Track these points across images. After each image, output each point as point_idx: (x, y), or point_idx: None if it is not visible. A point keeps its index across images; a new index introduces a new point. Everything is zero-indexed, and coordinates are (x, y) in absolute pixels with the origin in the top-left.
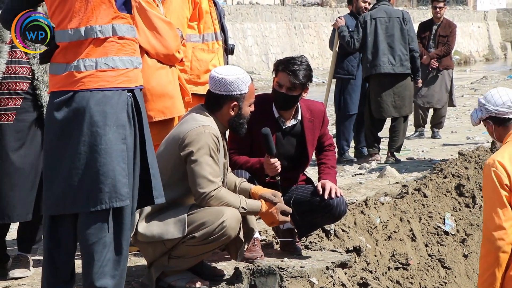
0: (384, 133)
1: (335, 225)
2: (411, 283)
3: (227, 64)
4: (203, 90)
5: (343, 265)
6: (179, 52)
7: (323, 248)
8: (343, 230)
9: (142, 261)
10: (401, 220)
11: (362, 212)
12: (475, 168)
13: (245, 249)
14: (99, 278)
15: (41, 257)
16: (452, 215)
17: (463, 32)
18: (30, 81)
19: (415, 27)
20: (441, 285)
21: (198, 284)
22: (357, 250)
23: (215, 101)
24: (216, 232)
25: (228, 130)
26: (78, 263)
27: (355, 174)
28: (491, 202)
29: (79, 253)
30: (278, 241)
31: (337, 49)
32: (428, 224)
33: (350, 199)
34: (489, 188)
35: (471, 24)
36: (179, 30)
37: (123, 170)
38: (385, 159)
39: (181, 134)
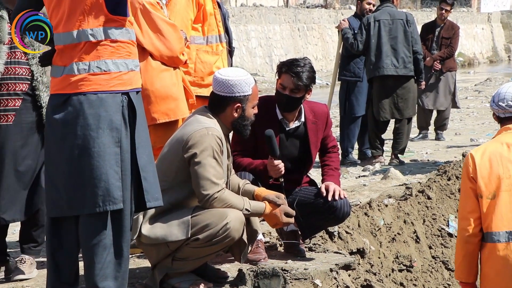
0: (388, 135)
1: (339, 227)
2: (415, 285)
3: (231, 66)
4: (207, 92)
5: (347, 267)
6: (183, 54)
7: (327, 250)
8: (347, 232)
9: (146, 263)
10: (405, 222)
11: (366, 214)
12: None
13: (248, 251)
14: (101, 280)
15: (45, 259)
16: (456, 217)
17: (467, 34)
18: (29, 82)
19: (419, 29)
20: (445, 287)
21: (201, 286)
22: (361, 252)
23: (218, 103)
24: (219, 234)
25: (232, 132)
26: (81, 265)
27: (359, 176)
28: (461, 193)
29: (81, 255)
30: (282, 243)
31: (340, 51)
32: (432, 226)
33: (354, 201)
34: (461, 179)
35: (475, 26)
36: (183, 32)
37: (116, 173)
38: (389, 161)
39: (185, 136)
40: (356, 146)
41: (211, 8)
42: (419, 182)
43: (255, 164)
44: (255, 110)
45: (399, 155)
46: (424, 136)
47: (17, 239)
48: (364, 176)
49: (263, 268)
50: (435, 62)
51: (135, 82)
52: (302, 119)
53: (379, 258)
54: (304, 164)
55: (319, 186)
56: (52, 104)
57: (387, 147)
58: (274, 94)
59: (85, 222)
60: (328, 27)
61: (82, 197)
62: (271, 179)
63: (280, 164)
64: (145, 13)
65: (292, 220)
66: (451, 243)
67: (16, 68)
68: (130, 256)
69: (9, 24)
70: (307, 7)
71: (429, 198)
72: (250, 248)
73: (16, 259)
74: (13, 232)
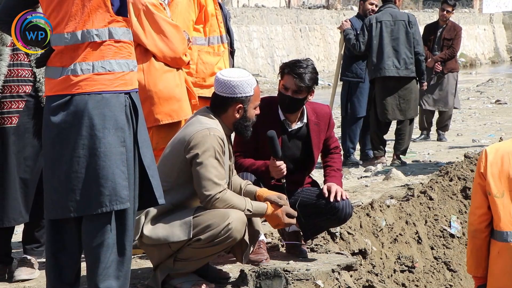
0: (390, 135)
1: (341, 228)
2: (417, 285)
3: (233, 66)
4: (208, 92)
5: (348, 267)
6: (186, 55)
7: (329, 251)
8: (348, 233)
9: (148, 264)
10: (406, 222)
11: (367, 214)
12: None
13: (250, 252)
14: (104, 280)
15: None
16: (458, 217)
17: (468, 35)
18: (32, 84)
19: (421, 29)
20: (447, 287)
21: (203, 287)
22: (363, 253)
23: (220, 104)
24: (221, 234)
25: (234, 132)
26: (82, 266)
27: (361, 177)
28: (472, 187)
29: (83, 255)
30: (284, 243)
31: (342, 52)
32: (434, 226)
33: (356, 202)
34: (474, 174)
35: (476, 27)
36: (186, 33)
37: (123, 173)
38: (391, 161)
39: (187, 137)
40: (358, 147)
41: (212, 9)
42: (421, 183)
43: (257, 165)
44: (257, 111)
45: (401, 156)
46: (426, 137)
47: (19, 239)
48: (366, 177)
49: (265, 268)
50: (436, 64)
51: (134, 82)
52: (305, 120)
53: (381, 258)
54: (306, 165)
55: (321, 187)
56: (50, 106)
57: (389, 147)
58: (276, 95)
59: (89, 222)
60: (330, 28)
61: (88, 198)
62: (273, 180)
63: (282, 165)
64: (148, 14)
65: (294, 221)
66: (453, 244)
67: (19, 70)
68: (132, 256)
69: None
70: (309, 8)
71: (431, 199)
72: (252, 249)
73: (18, 260)
74: (15, 232)
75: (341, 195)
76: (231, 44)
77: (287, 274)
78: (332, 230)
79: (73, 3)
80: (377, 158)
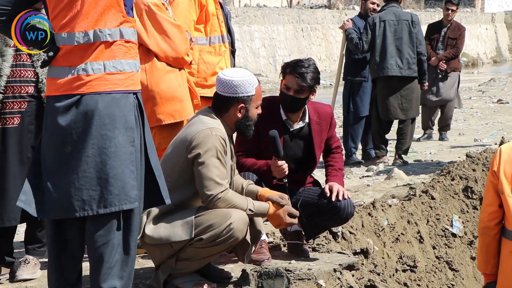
0: (392, 135)
1: (343, 227)
2: (419, 285)
3: (234, 66)
4: (210, 92)
5: (350, 267)
6: (188, 55)
7: (331, 250)
8: (350, 232)
9: (150, 264)
10: (408, 222)
11: (369, 214)
12: (483, 170)
13: (252, 251)
14: (107, 279)
15: None
16: (459, 217)
17: (470, 34)
18: (34, 84)
19: (423, 29)
20: (449, 287)
21: (205, 286)
22: (365, 252)
23: (222, 103)
24: (223, 234)
25: (236, 132)
26: (85, 265)
27: (363, 176)
28: (485, 184)
29: (85, 255)
30: (286, 243)
31: (344, 51)
32: (436, 226)
33: (358, 201)
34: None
35: (478, 26)
36: (188, 33)
37: (132, 172)
38: (393, 161)
39: (188, 136)
40: (359, 146)
41: (213, 9)
42: (422, 182)
43: (258, 165)
44: (259, 111)
45: (402, 156)
46: (429, 136)
47: (21, 239)
48: (367, 176)
49: (266, 268)
50: (441, 62)
51: (139, 82)
52: (306, 119)
53: (382, 258)
54: (308, 165)
55: (323, 187)
56: (56, 106)
57: (391, 147)
58: (278, 95)
59: (95, 221)
60: (332, 28)
61: (97, 197)
62: (275, 179)
63: (284, 164)
64: (150, 14)
65: (295, 220)
66: (455, 243)
67: (22, 71)
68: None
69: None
70: (311, 8)
71: (432, 198)
72: (253, 249)
73: (20, 260)
74: (17, 232)
75: (343, 195)
76: (232, 44)
77: (289, 273)
78: (334, 229)
79: (86, 2)
80: (379, 157)
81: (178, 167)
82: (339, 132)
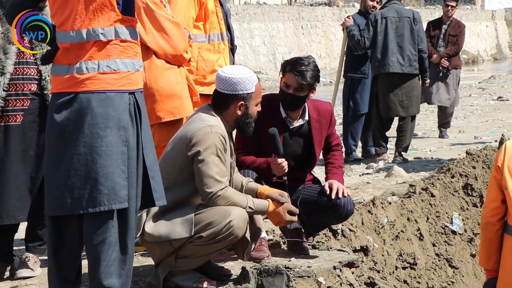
0: (392, 132)
1: (342, 225)
2: (419, 282)
3: (233, 64)
4: (209, 90)
5: (350, 264)
6: (187, 52)
7: (330, 248)
8: (350, 230)
9: (149, 261)
10: (408, 219)
11: (369, 211)
12: (483, 167)
13: (252, 249)
14: (106, 278)
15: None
16: (459, 214)
17: (471, 32)
18: (37, 82)
19: (424, 26)
20: (449, 284)
21: (205, 284)
22: (365, 250)
23: (222, 101)
24: (223, 231)
25: (235, 129)
26: (84, 263)
27: (363, 174)
28: (489, 179)
29: (84, 253)
30: (285, 240)
31: (345, 49)
32: (436, 223)
33: (358, 199)
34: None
35: (479, 24)
36: (186, 30)
37: (123, 172)
38: (393, 158)
39: (188, 134)
40: (359, 144)
41: (212, 6)
42: (422, 180)
43: (258, 162)
44: (258, 108)
45: (402, 153)
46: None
47: (22, 237)
48: (367, 173)
49: (266, 266)
50: (442, 60)
51: (140, 82)
52: (306, 117)
53: (382, 255)
54: (308, 163)
55: (322, 184)
56: (55, 103)
57: (391, 145)
58: (278, 92)
59: (90, 219)
60: (332, 25)
61: (87, 195)
62: (275, 177)
63: (283, 162)
64: (149, 12)
65: (295, 218)
66: (455, 241)
67: (25, 69)
68: (134, 254)
69: None
70: (311, 5)
71: (432, 195)
72: (253, 246)
73: (20, 257)
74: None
75: (343, 192)
76: (231, 41)
77: (288, 271)
78: (334, 227)
79: (78, 1)
80: (379, 155)
81: (178, 164)
82: (339, 129)
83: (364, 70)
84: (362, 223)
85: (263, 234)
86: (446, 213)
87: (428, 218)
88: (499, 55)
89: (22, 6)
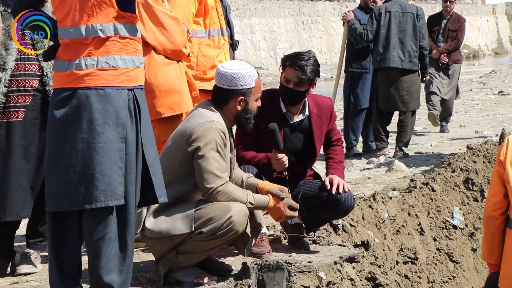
0: (393, 127)
1: (343, 220)
2: (420, 277)
3: (233, 59)
4: (209, 85)
5: (351, 259)
6: (186, 47)
7: (331, 243)
8: (351, 225)
9: (150, 257)
10: (409, 214)
11: (370, 206)
12: (484, 162)
13: (252, 244)
14: (106, 274)
15: None
16: (460, 209)
17: (471, 26)
18: (39, 78)
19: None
20: (450, 279)
21: (205, 279)
22: (365, 245)
23: (221, 96)
24: (223, 227)
25: (235, 125)
26: (84, 259)
27: (363, 169)
28: (492, 173)
29: (85, 249)
30: (286, 236)
31: (345, 44)
32: (437, 218)
33: (358, 194)
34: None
35: (479, 18)
36: (185, 25)
37: (120, 169)
38: (394, 153)
39: (188, 130)
40: (360, 138)
41: (212, 2)
42: (423, 174)
43: (258, 158)
44: (258, 103)
45: (403, 148)
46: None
47: (23, 233)
48: (368, 168)
49: (267, 261)
50: (442, 55)
51: (140, 79)
52: (306, 112)
53: (383, 250)
54: (308, 158)
55: (323, 179)
56: (55, 98)
57: (392, 139)
58: (278, 88)
59: (90, 216)
60: (333, 20)
61: (84, 192)
62: (275, 172)
63: (284, 157)
64: (147, 7)
65: (296, 213)
66: (456, 235)
67: (26, 65)
68: (134, 250)
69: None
70: (311, 0)
71: (433, 190)
72: (254, 242)
73: (21, 254)
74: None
75: (343, 187)
76: (231, 37)
77: (289, 266)
78: (335, 222)
79: None
80: (379, 150)
81: (178, 160)
82: (339, 124)
83: (365, 64)
84: (363, 218)
85: (264, 230)
86: (447, 207)
87: (429, 213)
88: (500, 50)
89: (26, 3)
